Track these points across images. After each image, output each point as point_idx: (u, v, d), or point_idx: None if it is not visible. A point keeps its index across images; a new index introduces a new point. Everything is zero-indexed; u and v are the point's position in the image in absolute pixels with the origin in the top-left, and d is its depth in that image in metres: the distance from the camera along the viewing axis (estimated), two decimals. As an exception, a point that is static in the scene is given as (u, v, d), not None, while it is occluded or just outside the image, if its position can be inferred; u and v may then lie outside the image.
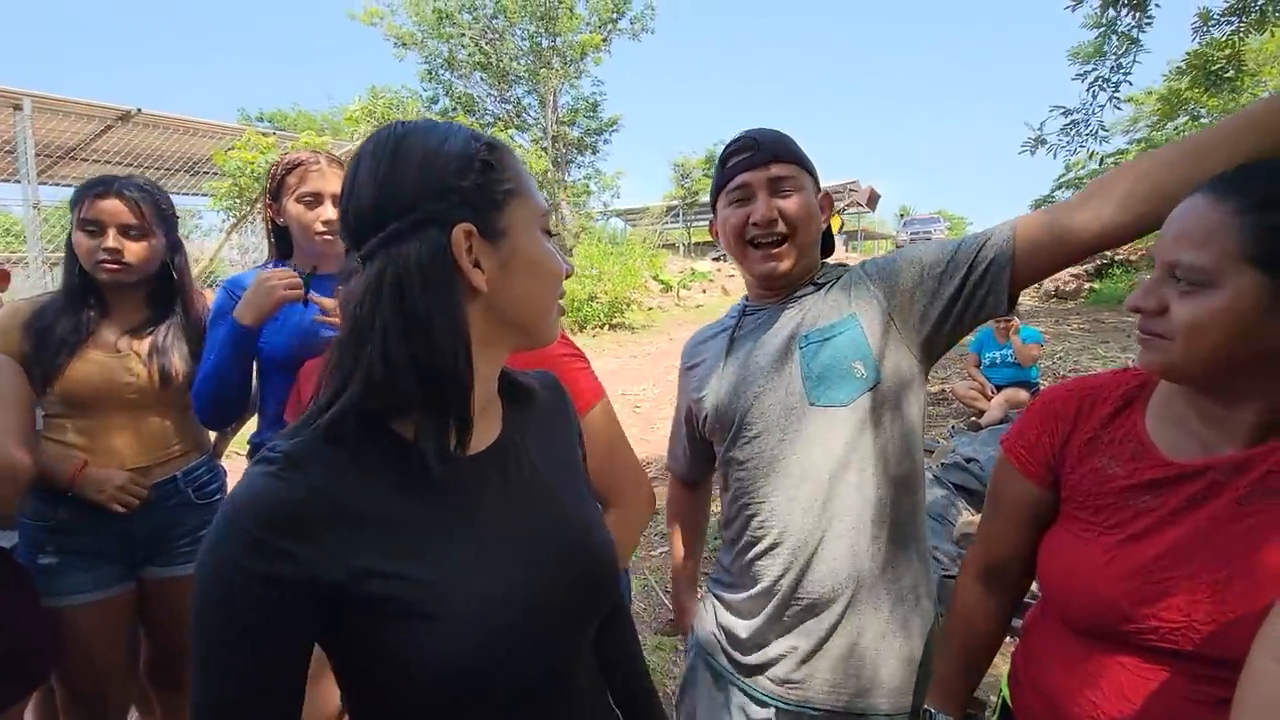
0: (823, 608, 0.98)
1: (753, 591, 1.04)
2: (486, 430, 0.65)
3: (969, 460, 3.59)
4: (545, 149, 18.50)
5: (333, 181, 1.41)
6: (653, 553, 3.33)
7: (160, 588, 1.56)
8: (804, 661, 1.00)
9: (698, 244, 24.94)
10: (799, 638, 1.00)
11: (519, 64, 18.79)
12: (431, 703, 0.56)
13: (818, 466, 0.98)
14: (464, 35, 18.16)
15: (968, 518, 3.14)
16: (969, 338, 6.07)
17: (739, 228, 1.05)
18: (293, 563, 0.51)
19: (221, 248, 9.26)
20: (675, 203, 22.78)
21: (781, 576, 1.00)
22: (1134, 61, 3.18)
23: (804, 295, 1.07)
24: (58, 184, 9.64)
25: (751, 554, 1.04)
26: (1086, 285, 12.00)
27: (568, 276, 0.67)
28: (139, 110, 7.76)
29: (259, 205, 7.89)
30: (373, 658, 0.55)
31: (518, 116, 19.70)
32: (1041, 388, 4.89)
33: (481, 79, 19.20)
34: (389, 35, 18.06)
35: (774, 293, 1.10)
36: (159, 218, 1.50)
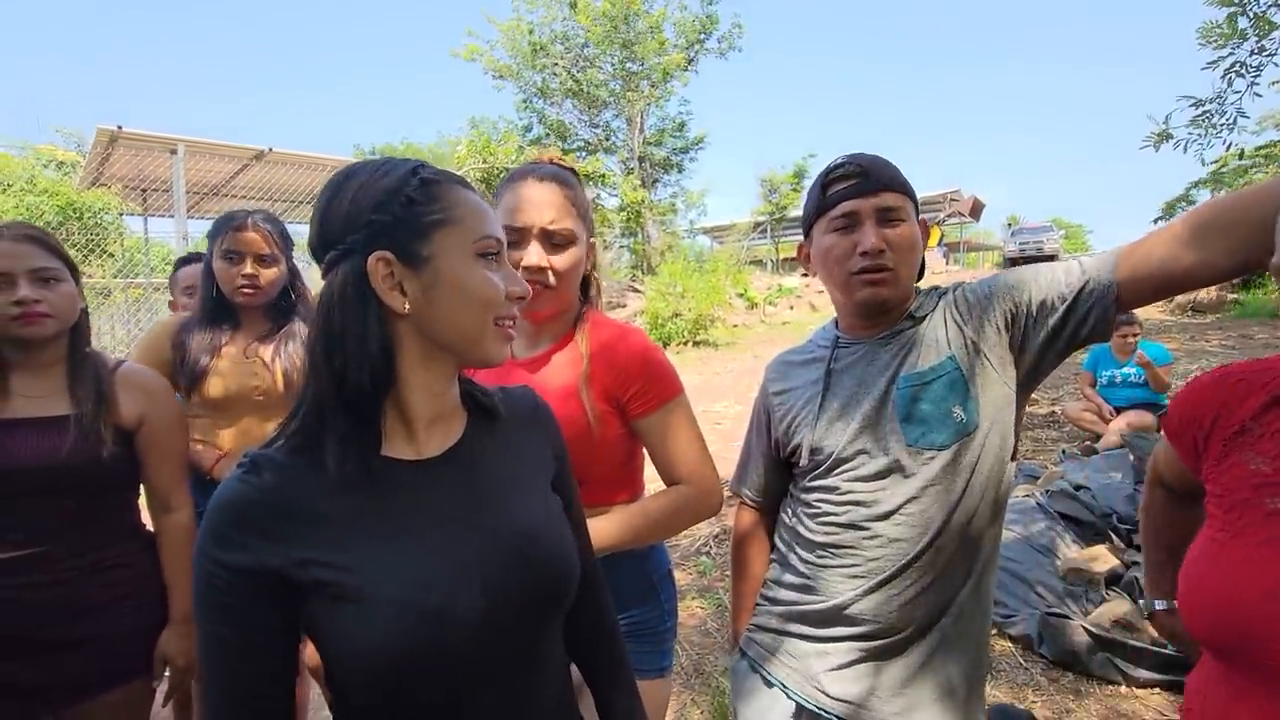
0: (901, 644, 0.98)
1: (823, 605, 1.03)
2: (442, 437, 0.70)
3: (1078, 488, 3.22)
4: (633, 170, 18.89)
5: None
6: (729, 573, 3.26)
7: None
8: (872, 695, 0.98)
9: (786, 259, 24.47)
10: (865, 661, 1.00)
11: (607, 89, 19.37)
12: (370, 700, 0.61)
13: (917, 508, 0.97)
14: (556, 65, 18.98)
15: (1075, 552, 2.81)
16: (1082, 355, 5.57)
17: (844, 257, 1.02)
18: (248, 552, 0.59)
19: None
20: (763, 218, 22.51)
21: (858, 603, 0.99)
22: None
23: (902, 330, 1.04)
24: (203, 217, 10.87)
25: (836, 581, 1.02)
26: (1230, 297, 10.71)
27: (519, 298, 0.70)
28: (270, 149, 8.66)
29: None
30: (322, 643, 0.61)
31: (606, 140, 20.29)
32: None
33: (572, 105, 19.97)
34: (488, 69, 19.20)
35: (870, 323, 1.07)
36: (283, 246, 1.71)
